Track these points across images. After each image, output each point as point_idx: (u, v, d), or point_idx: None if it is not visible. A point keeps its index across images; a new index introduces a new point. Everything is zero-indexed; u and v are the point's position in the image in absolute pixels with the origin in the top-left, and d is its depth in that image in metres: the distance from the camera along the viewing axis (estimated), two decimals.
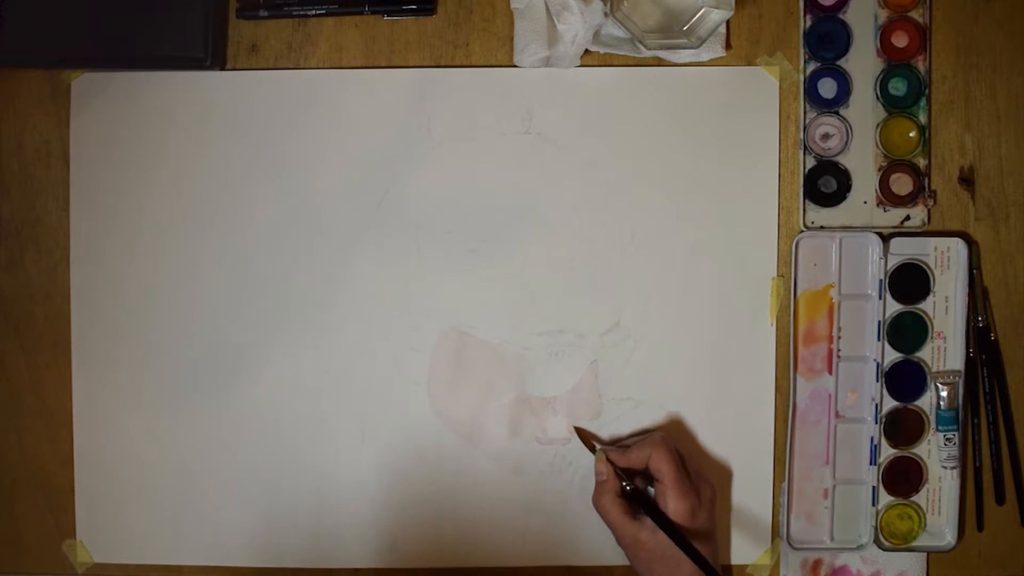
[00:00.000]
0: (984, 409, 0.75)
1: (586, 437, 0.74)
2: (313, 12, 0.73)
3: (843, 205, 0.74)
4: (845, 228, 0.74)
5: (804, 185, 0.74)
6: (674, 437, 0.73)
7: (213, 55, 0.71)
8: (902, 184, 0.74)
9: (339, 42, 0.74)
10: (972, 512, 0.76)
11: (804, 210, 0.74)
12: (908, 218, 0.74)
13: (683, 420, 0.75)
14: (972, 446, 0.75)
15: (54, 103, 0.74)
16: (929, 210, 0.74)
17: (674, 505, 0.67)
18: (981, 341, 0.74)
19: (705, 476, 0.72)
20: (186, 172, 0.74)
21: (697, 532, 0.68)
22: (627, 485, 0.69)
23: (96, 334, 0.75)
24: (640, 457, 0.69)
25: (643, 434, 0.74)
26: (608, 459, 0.71)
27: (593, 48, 0.73)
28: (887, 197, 0.74)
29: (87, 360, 0.75)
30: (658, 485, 0.69)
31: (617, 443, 0.74)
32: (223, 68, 0.74)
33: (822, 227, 0.74)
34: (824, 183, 0.74)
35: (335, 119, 0.74)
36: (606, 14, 0.69)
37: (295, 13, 0.73)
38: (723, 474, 0.75)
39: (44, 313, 0.75)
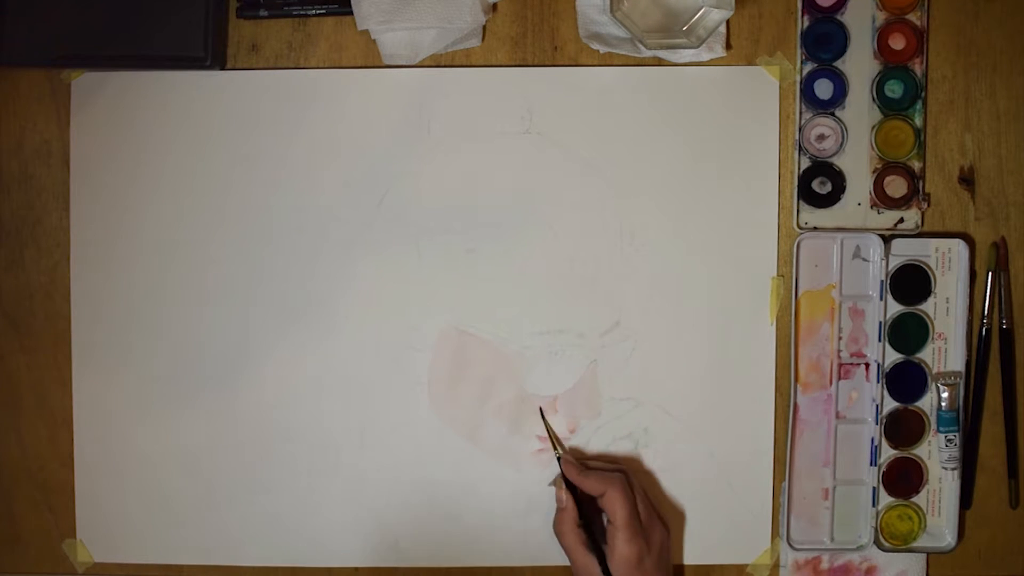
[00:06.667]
0: (1003, 410, 0.75)
1: (553, 436, 0.74)
2: (313, 12, 0.73)
3: (837, 206, 0.74)
4: (839, 229, 0.74)
5: (798, 186, 0.74)
6: (636, 473, 0.73)
7: (213, 55, 0.71)
8: (896, 187, 0.74)
9: (339, 42, 0.74)
10: (972, 511, 0.76)
11: (798, 211, 0.74)
12: (902, 220, 0.74)
13: (642, 461, 0.75)
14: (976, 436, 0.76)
15: (54, 103, 0.74)
16: (923, 213, 0.74)
17: (621, 548, 0.68)
18: (1003, 343, 0.75)
19: (660, 518, 0.72)
20: (186, 172, 0.74)
21: None
22: (583, 523, 0.70)
23: (96, 333, 0.75)
24: (595, 488, 0.70)
25: (609, 461, 0.74)
26: (567, 479, 0.71)
27: (593, 47, 0.73)
28: (881, 199, 0.74)
29: (87, 360, 0.75)
30: (609, 526, 0.69)
31: (581, 460, 0.74)
32: (223, 68, 0.74)
33: (815, 228, 0.74)
34: (819, 184, 0.74)
35: (335, 119, 0.74)
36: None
37: (295, 13, 0.73)
38: (677, 516, 0.75)
39: (44, 313, 0.75)
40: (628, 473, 0.71)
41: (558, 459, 0.73)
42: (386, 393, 0.75)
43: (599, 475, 0.70)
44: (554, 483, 0.74)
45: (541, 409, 0.74)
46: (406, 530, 0.75)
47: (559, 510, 0.72)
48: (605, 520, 0.71)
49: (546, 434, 0.74)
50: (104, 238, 0.75)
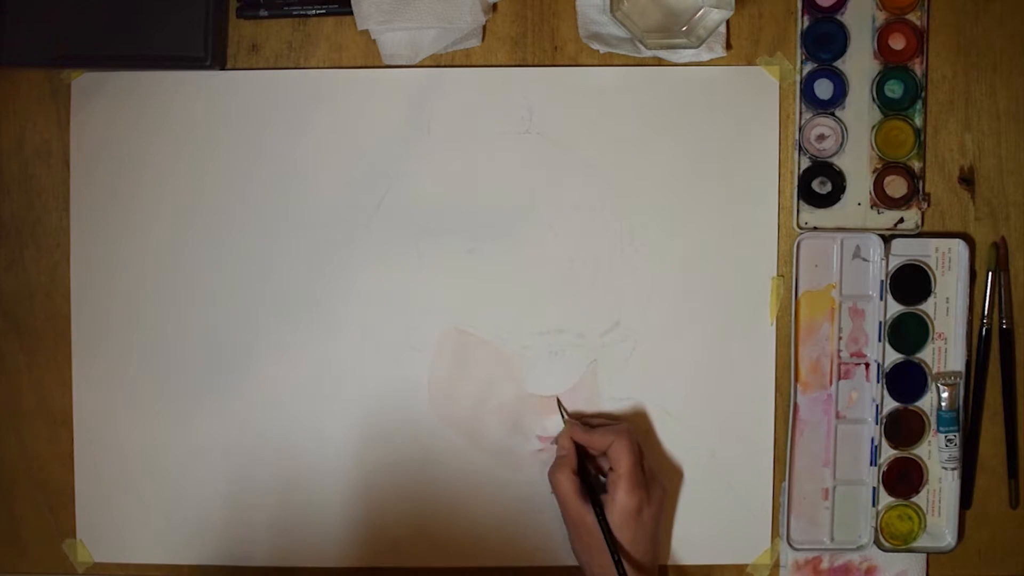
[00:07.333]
0: (1003, 411, 0.75)
1: (562, 409, 0.74)
2: (313, 12, 0.73)
3: (837, 206, 0.74)
4: (839, 229, 0.74)
5: (798, 186, 0.74)
6: (637, 432, 0.73)
7: (213, 55, 0.71)
8: (896, 187, 0.74)
9: (339, 42, 0.74)
10: (972, 511, 0.76)
11: (798, 211, 0.74)
12: (902, 220, 0.74)
13: (649, 417, 0.75)
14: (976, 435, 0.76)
15: (54, 103, 0.74)
16: (923, 213, 0.74)
17: (623, 497, 0.68)
18: (1003, 343, 0.75)
19: (659, 478, 0.72)
20: (186, 172, 0.74)
21: (641, 530, 0.68)
22: (582, 470, 0.70)
23: (96, 334, 0.75)
24: (602, 441, 0.70)
25: (611, 419, 0.74)
26: (572, 437, 0.71)
27: (593, 47, 0.73)
28: (881, 199, 0.74)
29: (87, 360, 0.75)
30: (611, 474, 0.69)
31: (584, 419, 0.74)
32: (223, 68, 0.74)
33: (815, 228, 0.74)
34: (819, 184, 0.74)
35: (335, 119, 0.74)
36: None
37: (295, 13, 0.73)
38: (675, 477, 0.75)
39: (44, 313, 0.75)
40: (632, 427, 0.71)
41: (564, 421, 0.74)
42: (386, 393, 0.75)
43: (604, 429, 0.71)
44: (558, 438, 0.74)
45: (559, 400, 0.75)
46: (406, 530, 0.75)
47: (559, 457, 0.72)
48: (607, 467, 0.71)
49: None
50: (104, 238, 0.75)
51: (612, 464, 0.69)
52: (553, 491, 0.71)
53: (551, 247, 0.74)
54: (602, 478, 0.72)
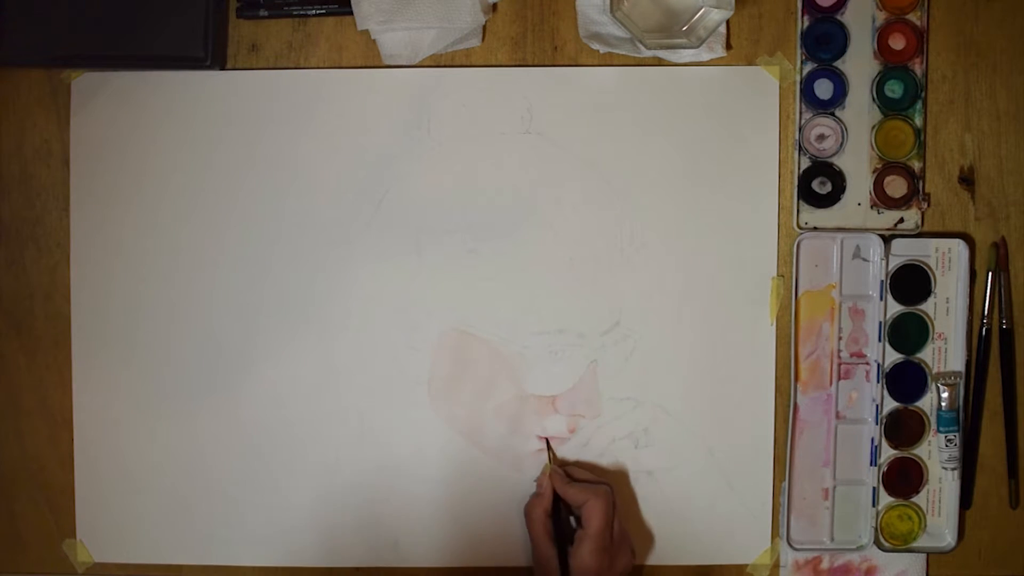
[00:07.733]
0: (1003, 411, 0.75)
1: (551, 450, 0.74)
2: (313, 12, 0.73)
3: (837, 206, 0.74)
4: (839, 229, 0.74)
5: (798, 186, 0.74)
6: (619, 495, 0.73)
7: (213, 55, 0.71)
8: (896, 187, 0.74)
9: (339, 42, 0.74)
10: (972, 511, 0.76)
11: (798, 211, 0.74)
12: (902, 220, 0.74)
13: (630, 482, 0.75)
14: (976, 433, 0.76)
15: (54, 103, 0.74)
16: (923, 213, 0.74)
17: (586, 556, 0.68)
18: (1003, 343, 0.75)
19: (630, 546, 0.72)
20: (186, 172, 0.74)
21: None
22: (555, 515, 0.71)
23: (96, 334, 0.75)
24: (578, 498, 0.70)
25: (596, 473, 0.74)
26: (551, 480, 0.72)
27: (593, 47, 0.73)
28: (881, 199, 0.74)
29: (87, 360, 0.75)
30: (580, 531, 0.69)
31: (568, 467, 0.74)
32: (223, 68, 0.74)
33: (815, 228, 0.74)
34: (819, 184, 0.74)
35: (335, 119, 0.74)
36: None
37: (295, 13, 0.73)
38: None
39: (44, 313, 0.75)
40: (612, 490, 0.71)
41: (549, 460, 0.74)
42: (386, 393, 0.75)
43: (583, 487, 0.71)
44: (539, 477, 0.74)
45: (547, 441, 0.75)
46: (406, 530, 0.75)
47: (535, 494, 0.72)
48: (573, 522, 0.72)
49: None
50: (104, 238, 0.75)
51: (583, 522, 0.69)
52: (526, 524, 0.71)
53: (551, 247, 0.74)
54: (573, 520, 0.72)
